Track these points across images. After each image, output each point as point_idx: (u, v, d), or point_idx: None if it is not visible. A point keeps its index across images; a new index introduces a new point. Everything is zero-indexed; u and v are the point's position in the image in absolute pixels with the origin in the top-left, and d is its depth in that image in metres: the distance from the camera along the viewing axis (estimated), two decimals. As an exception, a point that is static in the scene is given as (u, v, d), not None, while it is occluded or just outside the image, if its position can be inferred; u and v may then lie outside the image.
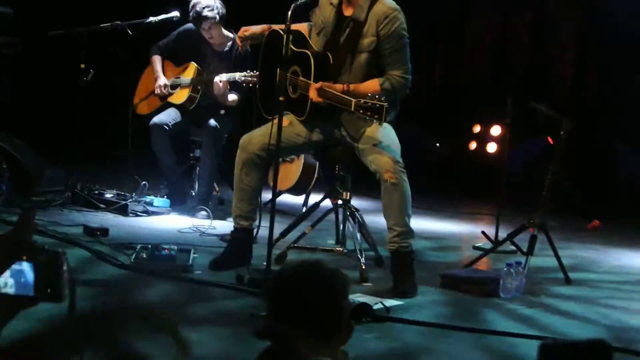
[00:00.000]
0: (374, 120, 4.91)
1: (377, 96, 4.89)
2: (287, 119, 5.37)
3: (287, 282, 2.27)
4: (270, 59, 5.76)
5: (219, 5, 7.33)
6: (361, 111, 4.90)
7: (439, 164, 11.16)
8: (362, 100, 4.91)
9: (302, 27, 5.78)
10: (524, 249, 6.09)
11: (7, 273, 1.59)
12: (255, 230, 5.59)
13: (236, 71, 7.13)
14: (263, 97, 5.91)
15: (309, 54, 5.44)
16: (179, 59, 7.74)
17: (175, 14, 7.54)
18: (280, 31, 5.52)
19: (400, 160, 5.25)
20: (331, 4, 5.58)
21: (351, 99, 5.00)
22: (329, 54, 5.47)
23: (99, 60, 7.55)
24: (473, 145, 11.09)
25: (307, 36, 5.70)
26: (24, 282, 1.61)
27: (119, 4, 9.38)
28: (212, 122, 7.36)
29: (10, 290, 1.60)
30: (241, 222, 5.59)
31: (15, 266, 1.59)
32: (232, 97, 7.37)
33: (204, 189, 7.48)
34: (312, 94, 5.28)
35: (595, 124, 10.02)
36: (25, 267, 1.60)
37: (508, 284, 5.30)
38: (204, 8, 7.25)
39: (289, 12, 5.03)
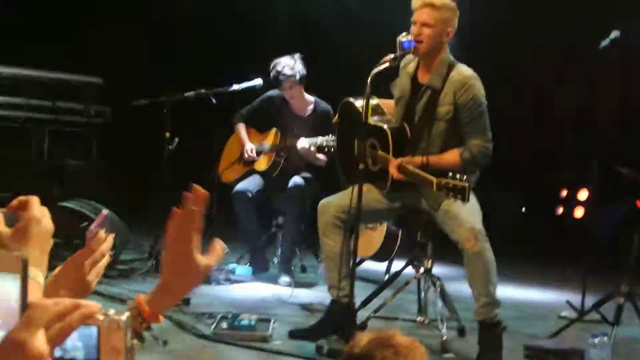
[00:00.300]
0: (458, 201, 4.85)
1: (458, 175, 4.83)
2: (367, 186, 5.34)
3: (359, 355, 2.21)
4: (346, 130, 5.78)
5: (300, 65, 7.40)
6: (444, 191, 4.87)
7: (525, 229, 11.00)
8: (444, 181, 4.85)
9: (388, 103, 5.77)
10: (611, 319, 5.94)
11: (75, 336, 1.58)
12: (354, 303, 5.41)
13: (318, 134, 7.17)
14: (344, 168, 5.93)
15: (385, 128, 5.42)
16: (262, 125, 7.82)
17: (258, 81, 7.62)
18: (351, 99, 5.56)
19: (482, 228, 5.18)
20: (408, 73, 5.58)
21: (432, 178, 4.94)
22: (406, 126, 5.45)
23: (184, 128, 7.66)
24: (560, 210, 10.93)
25: (382, 107, 5.69)
26: (92, 345, 1.60)
27: (203, 73, 9.52)
28: (296, 179, 7.38)
29: (80, 355, 1.60)
30: (333, 292, 5.53)
31: (83, 330, 1.58)
32: (321, 156, 7.40)
33: (287, 249, 7.48)
34: (393, 171, 5.26)
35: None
36: (93, 331, 1.59)
37: (593, 356, 5.17)
38: (284, 67, 7.34)
39: (368, 80, 5.05)
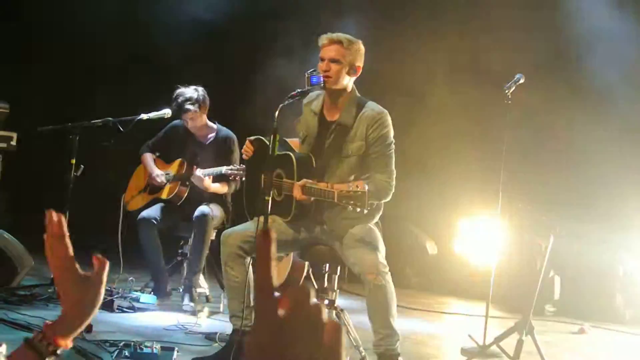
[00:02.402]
0: (357, 209, 4.91)
1: (358, 185, 4.92)
2: (271, 217, 5.36)
3: None
4: (255, 166, 5.82)
5: (200, 97, 7.45)
6: (344, 201, 4.93)
7: (429, 264, 11.11)
8: (345, 190, 4.93)
9: (294, 142, 5.83)
10: (512, 354, 6.03)
11: None
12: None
13: (221, 161, 7.21)
14: (248, 203, 5.96)
15: (291, 155, 5.48)
16: (169, 155, 7.82)
17: (167, 111, 7.61)
18: (263, 138, 5.61)
19: (384, 261, 5.26)
20: (313, 112, 5.65)
21: (334, 190, 5.02)
22: (310, 155, 5.51)
23: (90, 156, 7.59)
24: (461, 245, 11.05)
25: (290, 144, 5.75)
26: None
27: (110, 101, 9.47)
28: (202, 208, 7.39)
29: None
30: (235, 322, 5.54)
31: None
32: (215, 185, 7.42)
33: (191, 275, 7.47)
34: (296, 192, 5.30)
35: (586, 226, 10.01)
36: None
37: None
38: (185, 101, 7.38)
39: (276, 112, 5.09)
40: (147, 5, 10.53)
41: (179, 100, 7.41)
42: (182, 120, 7.61)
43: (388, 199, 5.49)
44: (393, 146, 5.52)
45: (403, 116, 6.83)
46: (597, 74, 9.49)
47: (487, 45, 10.44)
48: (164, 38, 10.21)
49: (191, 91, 7.46)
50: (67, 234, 1.92)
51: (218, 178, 7.36)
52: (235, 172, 7.08)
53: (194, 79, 7.72)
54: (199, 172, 7.26)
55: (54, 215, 1.91)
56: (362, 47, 5.54)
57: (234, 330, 5.57)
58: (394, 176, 5.48)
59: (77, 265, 1.92)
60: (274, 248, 1.60)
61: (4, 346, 1.70)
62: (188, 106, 7.40)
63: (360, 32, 5.92)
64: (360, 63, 5.54)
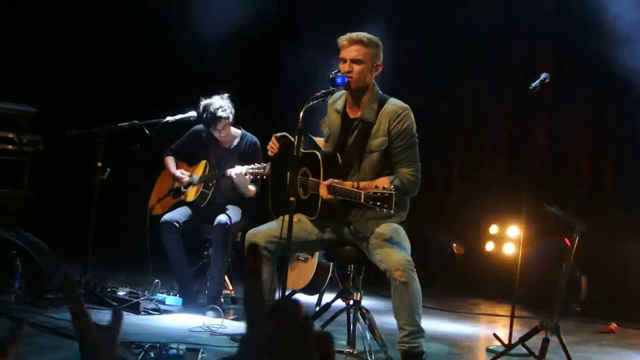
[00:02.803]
0: (384, 210, 4.92)
1: (385, 186, 4.93)
2: (297, 217, 5.37)
3: None
4: (280, 164, 5.83)
5: (230, 105, 7.46)
6: (371, 202, 4.95)
7: (454, 264, 11.09)
8: (372, 192, 4.95)
9: (320, 141, 5.85)
10: (537, 352, 6.01)
11: None
12: None
13: (245, 165, 7.23)
14: (273, 201, 5.97)
15: (317, 154, 5.50)
16: (191, 159, 7.84)
17: (192, 114, 7.63)
18: (289, 136, 5.62)
19: (410, 259, 5.26)
20: (336, 110, 5.67)
21: (360, 191, 5.04)
22: (337, 154, 5.53)
23: (117, 159, 7.63)
24: (490, 246, 11.03)
25: (316, 141, 5.77)
26: None
27: (137, 103, 9.51)
28: (221, 217, 7.39)
29: None
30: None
31: None
32: (252, 187, 7.43)
33: (214, 286, 7.46)
34: (322, 191, 5.32)
35: (614, 223, 9.96)
36: None
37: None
38: (217, 109, 7.37)
39: (301, 114, 5.10)
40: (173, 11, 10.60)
41: (211, 109, 7.39)
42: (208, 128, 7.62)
43: (415, 193, 5.52)
44: (417, 140, 5.54)
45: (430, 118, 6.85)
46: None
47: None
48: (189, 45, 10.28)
49: (220, 100, 7.47)
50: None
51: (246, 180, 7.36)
52: (257, 170, 7.09)
53: (217, 83, 7.74)
54: (230, 171, 7.24)
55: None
56: (381, 45, 5.58)
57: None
58: (420, 169, 5.50)
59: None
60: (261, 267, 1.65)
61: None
62: (221, 113, 7.38)
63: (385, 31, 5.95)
64: (380, 61, 5.60)
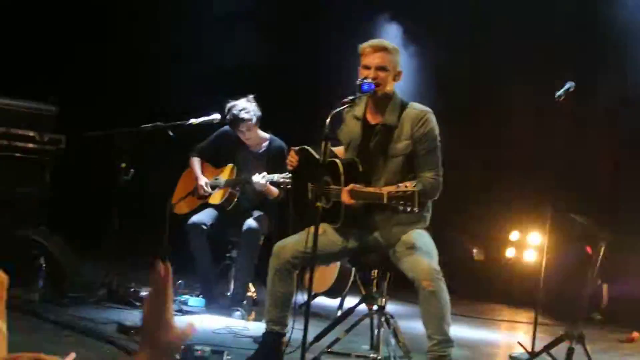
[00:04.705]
0: (408, 209, 4.90)
1: (407, 185, 4.92)
2: (322, 227, 5.33)
3: None
4: (300, 176, 5.84)
5: (254, 108, 7.46)
6: (394, 202, 4.92)
7: (475, 270, 11.07)
8: (394, 191, 4.93)
9: (339, 150, 5.84)
10: (561, 361, 5.99)
11: None
12: (287, 336, 5.55)
13: (272, 171, 7.22)
14: (297, 211, 5.97)
15: (337, 161, 5.50)
16: (217, 161, 7.85)
17: (216, 116, 7.64)
18: (308, 148, 5.63)
19: (438, 267, 5.24)
20: (355, 117, 5.67)
21: (383, 191, 5.02)
22: (356, 159, 5.53)
23: (140, 160, 7.65)
24: (510, 252, 11.02)
25: (335, 151, 5.75)
26: None
27: (161, 106, 9.52)
28: (251, 223, 7.40)
29: None
30: (273, 326, 5.58)
31: None
32: (276, 189, 7.43)
33: (240, 289, 7.48)
34: (345, 197, 5.31)
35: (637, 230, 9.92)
36: None
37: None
38: (240, 110, 7.39)
39: (327, 120, 5.09)
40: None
41: (234, 111, 7.41)
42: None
43: (437, 196, 5.51)
44: (439, 144, 5.53)
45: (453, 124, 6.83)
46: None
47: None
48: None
49: (245, 102, 7.47)
50: (170, 284, 1.94)
51: (271, 185, 7.36)
52: (282, 180, 7.10)
53: (241, 87, 7.74)
54: (256, 177, 7.24)
55: (162, 267, 1.93)
56: (399, 52, 5.62)
57: (268, 332, 5.60)
58: (441, 173, 5.50)
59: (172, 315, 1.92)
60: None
61: (72, 355, 1.71)
62: (244, 115, 7.40)
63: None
64: (400, 68, 5.61)
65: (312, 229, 5.02)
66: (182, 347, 5.46)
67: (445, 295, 5.20)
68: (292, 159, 5.79)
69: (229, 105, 7.49)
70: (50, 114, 9.31)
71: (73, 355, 2.20)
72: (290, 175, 6.87)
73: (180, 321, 1.83)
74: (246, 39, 10.38)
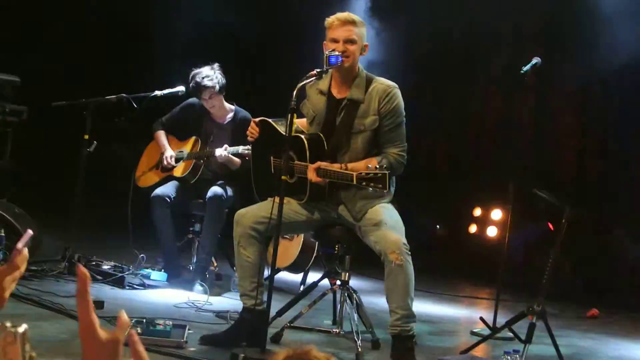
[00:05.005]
0: (377, 190, 4.90)
1: (377, 166, 4.92)
2: (286, 199, 5.31)
3: None
4: (261, 149, 5.81)
5: (218, 76, 7.41)
6: (364, 183, 4.92)
7: (438, 246, 11.12)
8: (364, 173, 4.94)
9: (302, 122, 5.81)
10: (523, 337, 6.01)
11: None
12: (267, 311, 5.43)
13: (237, 142, 7.19)
14: (257, 187, 5.95)
15: (301, 136, 5.47)
16: (182, 133, 7.79)
17: (181, 88, 7.61)
18: (268, 120, 5.61)
19: (406, 241, 5.23)
20: (320, 91, 5.64)
21: (352, 172, 5.02)
22: (321, 135, 5.51)
23: (103, 131, 7.58)
24: (473, 229, 11.07)
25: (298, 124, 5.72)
26: None
27: (124, 77, 9.44)
28: (215, 189, 7.36)
29: None
30: (246, 301, 5.53)
31: None
32: (237, 160, 7.38)
33: (204, 256, 7.44)
34: (311, 175, 5.29)
35: (598, 210, 10.01)
36: None
37: (506, 372, 5.23)
38: (203, 78, 7.34)
39: (294, 92, 5.06)
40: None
41: (197, 78, 7.36)
42: (199, 100, 7.56)
43: (401, 172, 5.51)
44: (404, 119, 5.53)
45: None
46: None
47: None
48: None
49: (208, 70, 7.42)
50: (88, 292, 1.89)
51: (234, 156, 7.32)
52: (243, 152, 7.08)
53: (208, 59, 7.68)
54: (219, 151, 7.22)
55: (81, 272, 1.89)
56: (365, 25, 5.64)
57: (244, 309, 5.55)
58: (406, 149, 5.51)
59: (98, 326, 1.86)
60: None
61: (24, 326, 1.68)
62: (207, 82, 7.34)
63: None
64: (365, 41, 5.60)
65: (276, 198, 4.99)
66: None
67: (412, 270, 5.20)
68: (253, 130, 5.76)
69: (192, 73, 7.43)
70: (13, 84, 9.21)
71: (30, 232, 2.22)
72: (249, 147, 6.85)
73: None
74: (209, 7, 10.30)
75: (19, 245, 2.24)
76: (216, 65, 7.49)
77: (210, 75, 7.38)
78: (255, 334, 5.16)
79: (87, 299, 1.87)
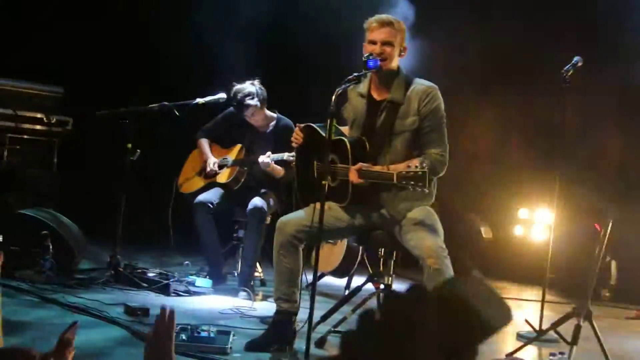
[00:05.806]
0: (418, 189, 4.88)
1: (417, 165, 4.90)
2: (327, 204, 5.31)
3: None
4: (305, 154, 5.82)
5: (259, 91, 7.43)
6: (404, 182, 4.90)
7: (483, 248, 11.05)
8: (404, 171, 4.91)
9: (345, 129, 5.81)
10: (569, 339, 5.96)
11: None
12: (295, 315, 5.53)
13: (280, 150, 7.20)
14: (301, 192, 5.96)
15: (344, 139, 5.47)
16: (225, 141, 7.83)
17: (222, 95, 7.64)
18: (313, 125, 5.62)
19: (444, 245, 5.22)
20: (360, 94, 5.64)
21: (392, 172, 5.00)
22: (364, 138, 5.50)
23: (146, 140, 7.64)
24: (518, 230, 10.99)
25: (341, 130, 5.72)
26: None
27: (166, 85, 9.50)
28: (256, 201, 7.38)
29: None
30: (282, 304, 5.56)
31: None
32: (280, 168, 7.41)
33: (247, 269, 7.46)
34: (353, 176, 5.28)
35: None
36: None
37: (552, 374, 5.19)
38: (245, 97, 7.37)
39: (333, 97, 5.06)
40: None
41: (239, 96, 7.39)
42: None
43: (443, 173, 5.48)
44: (445, 120, 5.51)
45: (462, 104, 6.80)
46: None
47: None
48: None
49: (249, 86, 7.45)
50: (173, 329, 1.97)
51: (278, 164, 7.34)
52: (287, 159, 7.09)
53: (249, 69, 7.70)
54: (262, 157, 7.24)
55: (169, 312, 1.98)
56: (405, 28, 5.59)
57: (278, 312, 5.58)
58: (447, 150, 5.48)
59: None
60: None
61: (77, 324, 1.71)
62: (249, 102, 7.38)
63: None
64: (405, 44, 5.59)
65: (317, 204, 5.00)
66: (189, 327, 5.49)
67: (450, 273, 5.18)
68: (297, 136, 5.78)
69: (234, 89, 7.46)
70: (57, 95, 9.33)
71: (77, 324, 2.23)
72: (294, 154, 6.86)
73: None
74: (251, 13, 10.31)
75: (67, 335, 2.25)
76: (256, 81, 7.52)
77: (252, 93, 7.41)
78: (285, 337, 5.26)
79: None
